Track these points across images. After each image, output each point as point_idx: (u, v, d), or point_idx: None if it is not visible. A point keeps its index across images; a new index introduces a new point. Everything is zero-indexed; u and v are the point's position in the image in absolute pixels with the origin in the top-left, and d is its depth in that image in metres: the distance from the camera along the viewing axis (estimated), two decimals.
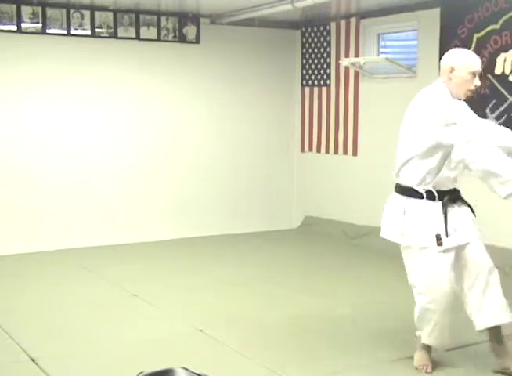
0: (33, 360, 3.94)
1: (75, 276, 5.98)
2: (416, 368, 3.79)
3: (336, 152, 7.80)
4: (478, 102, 6.00)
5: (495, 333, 3.71)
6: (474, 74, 3.58)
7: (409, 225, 3.64)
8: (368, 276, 6.02)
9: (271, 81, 8.21)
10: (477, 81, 3.60)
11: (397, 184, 3.77)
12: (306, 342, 4.28)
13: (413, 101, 3.70)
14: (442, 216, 3.59)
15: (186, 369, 2.12)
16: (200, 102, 7.82)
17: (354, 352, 4.08)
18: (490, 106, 5.93)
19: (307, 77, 8.15)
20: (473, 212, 3.78)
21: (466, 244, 3.65)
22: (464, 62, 3.59)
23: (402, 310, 4.72)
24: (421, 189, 3.63)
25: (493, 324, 3.66)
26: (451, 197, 3.67)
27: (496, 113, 5.91)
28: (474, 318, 3.69)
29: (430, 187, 3.62)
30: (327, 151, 7.93)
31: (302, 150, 8.33)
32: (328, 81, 7.82)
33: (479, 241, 3.70)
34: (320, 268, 6.36)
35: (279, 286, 5.65)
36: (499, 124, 5.82)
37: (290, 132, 8.40)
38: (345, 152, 7.66)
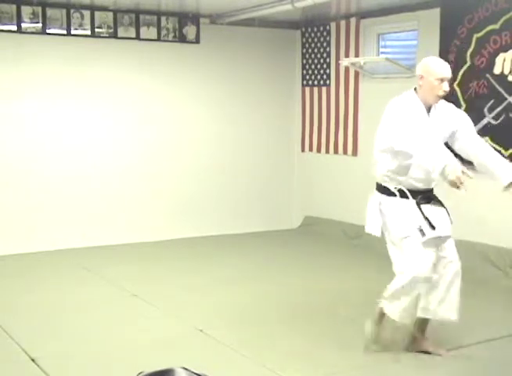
0: (33, 360, 3.95)
1: (75, 276, 5.99)
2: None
3: (336, 152, 7.80)
4: (476, 102, 6.02)
5: (423, 324, 4.03)
6: (441, 80, 3.84)
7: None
8: (368, 276, 6.01)
9: (271, 81, 8.21)
10: (445, 87, 3.85)
11: None
12: (306, 342, 4.28)
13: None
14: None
15: (186, 369, 2.12)
16: (200, 102, 7.82)
17: (354, 352, 4.08)
18: (488, 105, 5.93)
19: (307, 77, 8.15)
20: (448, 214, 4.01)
21: (446, 238, 3.92)
22: (431, 70, 3.88)
23: None
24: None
25: (450, 318, 3.96)
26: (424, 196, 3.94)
27: (494, 113, 5.90)
28: (432, 308, 3.94)
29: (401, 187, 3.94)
30: (327, 151, 7.93)
31: (302, 150, 8.33)
32: (328, 81, 7.82)
33: (452, 240, 3.97)
34: (320, 268, 6.36)
35: (279, 286, 5.65)
36: (497, 124, 5.88)
37: (290, 132, 8.40)
38: (345, 152, 7.66)
